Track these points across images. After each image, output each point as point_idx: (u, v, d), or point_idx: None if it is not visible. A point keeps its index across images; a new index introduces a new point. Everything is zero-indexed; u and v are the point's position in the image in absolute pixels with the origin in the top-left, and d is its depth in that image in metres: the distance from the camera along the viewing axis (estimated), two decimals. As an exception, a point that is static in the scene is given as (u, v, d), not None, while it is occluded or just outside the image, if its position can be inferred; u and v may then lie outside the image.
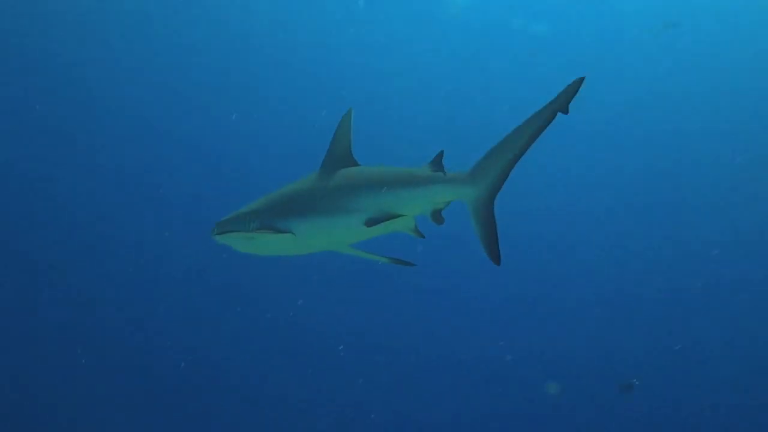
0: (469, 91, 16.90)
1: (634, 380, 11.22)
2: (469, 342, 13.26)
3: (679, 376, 12.96)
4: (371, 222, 3.58)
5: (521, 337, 13.38)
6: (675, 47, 16.51)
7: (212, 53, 16.33)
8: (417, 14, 16.36)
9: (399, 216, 3.61)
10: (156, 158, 15.60)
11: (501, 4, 16.19)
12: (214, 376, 12.40)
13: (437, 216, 3.69)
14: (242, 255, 3.88)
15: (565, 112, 3.37)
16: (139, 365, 12.20)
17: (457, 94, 16.86)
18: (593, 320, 13.94)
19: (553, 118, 3.38)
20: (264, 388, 12.28)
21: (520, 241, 13.70)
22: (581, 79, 3.33)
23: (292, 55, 16.76)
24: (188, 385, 12.09)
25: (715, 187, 16.36)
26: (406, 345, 13.15)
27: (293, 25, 16.40)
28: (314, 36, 16.54)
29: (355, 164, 3.90)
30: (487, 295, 13.83)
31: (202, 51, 16.27)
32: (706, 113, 16.92)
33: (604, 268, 14.96)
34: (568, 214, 15.86)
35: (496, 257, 3.53)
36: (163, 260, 13.87)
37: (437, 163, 3.72)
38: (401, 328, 13.39)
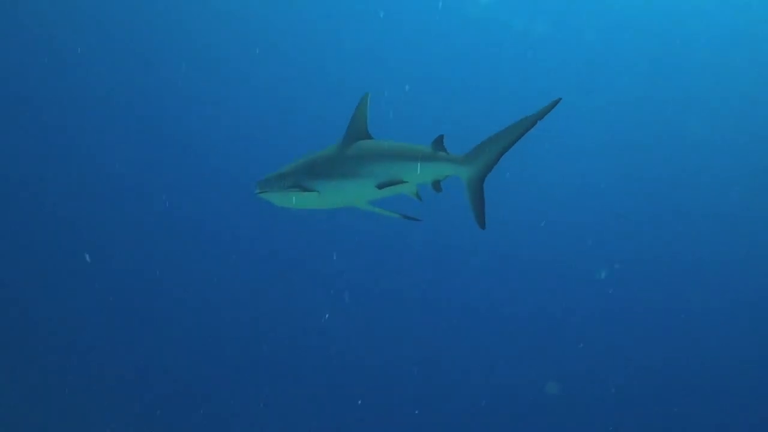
0: (468, 88, 17.44)
1: None
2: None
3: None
4: (382, 185, 4.46)
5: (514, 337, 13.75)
6: (675, 47, 16.98)
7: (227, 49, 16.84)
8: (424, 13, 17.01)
9: (405, 182, 4.50)
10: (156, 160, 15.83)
11: (502, 4, 16.81)
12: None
13: (437, 185, 4.61)
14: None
15: (541, 119, 4.29)
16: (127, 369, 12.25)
17: (456, 90, 17.40)
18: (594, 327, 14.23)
19: (535, 124, 4.30)
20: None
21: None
22: (558, 100, 4.21)
23: (301, 52, 17.41)
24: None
25: (718, 193, 16.58)
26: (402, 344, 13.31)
27: (302, 24, 17.09)
28: (319, 37, 17.26)
29: (371, 138, 4.75)
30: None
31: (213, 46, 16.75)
32: (707, 114, 17.14)
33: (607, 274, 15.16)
34: (569, 215, 16.22)
35: (482, 223, 4.47)
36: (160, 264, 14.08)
37: (439, 143, 4.63)
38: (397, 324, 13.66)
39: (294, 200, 4.58)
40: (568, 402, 12.57)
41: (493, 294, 14.49)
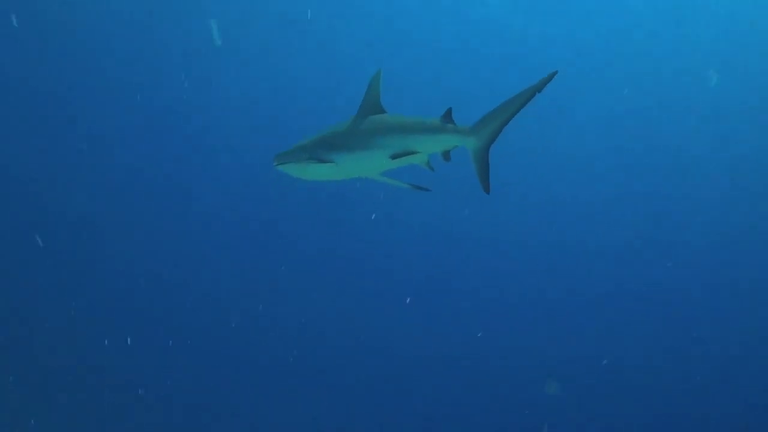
0: (468, 88, 17.57)
1: None
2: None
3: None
4: (396, 156, 4.81)
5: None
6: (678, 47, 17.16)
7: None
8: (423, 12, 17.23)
9: (416, 153, 4.85)
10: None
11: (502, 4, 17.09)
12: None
13: (446, 155, 5.02)
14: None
15: (540, 91, 4.70)
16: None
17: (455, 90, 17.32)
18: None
19: (533, 96, 4.72)
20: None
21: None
22: (554, 72, 4.62)
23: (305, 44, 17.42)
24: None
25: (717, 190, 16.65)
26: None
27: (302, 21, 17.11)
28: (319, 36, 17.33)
29: (384, 112, 5.06)
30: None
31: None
32: (706, 113, 17.15)
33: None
34: (566, 208, 16.32)
35: (487, 188, 4.91)
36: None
37: (447, 116, 5.02)
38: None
39: (311, 171, 4.82)
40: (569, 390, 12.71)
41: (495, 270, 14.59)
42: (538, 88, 4.64)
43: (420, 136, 4.86)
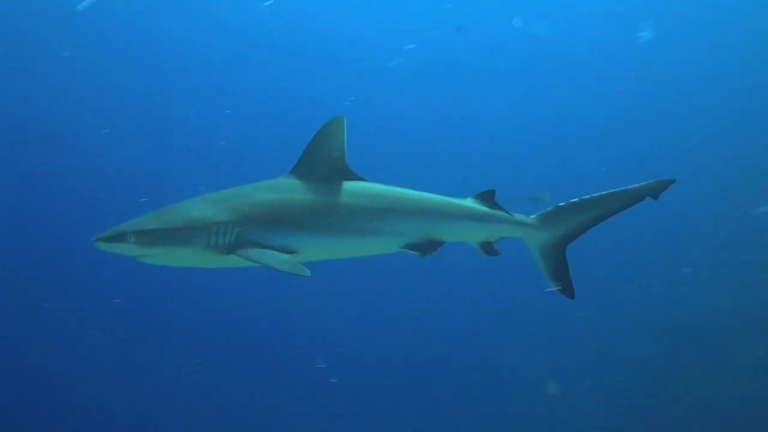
0: (467, 91, 17.38)
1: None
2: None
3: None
4: (411, 247, 3.39)
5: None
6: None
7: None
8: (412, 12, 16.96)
9: (442, 243, 3.49)
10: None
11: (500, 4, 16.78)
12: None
13: (490, 248, 3.74)
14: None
15: (655, 198, 3.63)
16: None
17: (455, 94, 17.31)
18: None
19: (640, 200, 3.60)
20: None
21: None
22: (672, 180, 3.58)
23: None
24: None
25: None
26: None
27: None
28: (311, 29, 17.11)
29: (356, 178, 3.52)
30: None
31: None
32: (707, 113, 16.99)
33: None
34: None
35: (570, 293, 3.71)
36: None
37: (489, 199, 3.74)
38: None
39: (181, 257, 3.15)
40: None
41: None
42: (650, 192, 3.58)
43: (455, 223, 3.56)
